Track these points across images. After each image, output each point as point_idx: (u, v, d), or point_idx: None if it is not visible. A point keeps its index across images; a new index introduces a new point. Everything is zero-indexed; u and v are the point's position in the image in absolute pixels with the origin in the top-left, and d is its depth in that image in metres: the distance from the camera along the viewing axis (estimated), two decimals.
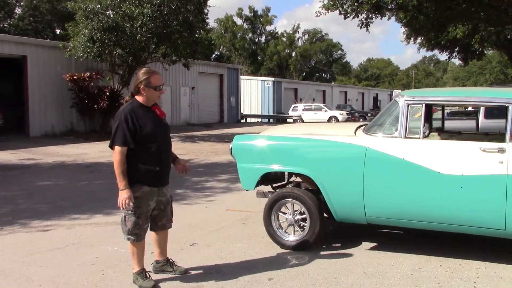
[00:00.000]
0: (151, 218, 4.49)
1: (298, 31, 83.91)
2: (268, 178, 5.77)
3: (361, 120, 39.77)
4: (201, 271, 4.86)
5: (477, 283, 4.47)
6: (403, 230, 6.10)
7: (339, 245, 5.66)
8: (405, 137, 5.00)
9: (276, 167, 5.49)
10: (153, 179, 4.35)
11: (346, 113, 38.55)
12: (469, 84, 66.62)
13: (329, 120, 36.80)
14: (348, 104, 50.21)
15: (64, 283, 4.61)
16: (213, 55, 69.19)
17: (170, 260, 4.80)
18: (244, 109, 40.73)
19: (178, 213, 6.92)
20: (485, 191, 4.61)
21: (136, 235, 4.35)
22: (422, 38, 26.47)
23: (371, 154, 5.03)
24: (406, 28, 24.96)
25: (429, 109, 5.66)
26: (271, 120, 40.55)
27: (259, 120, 40.08)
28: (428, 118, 5.64)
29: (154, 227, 4.60)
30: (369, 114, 44.57)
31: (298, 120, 37.79)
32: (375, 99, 68.48)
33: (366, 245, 5.63)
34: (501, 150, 4.59)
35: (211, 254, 5.41)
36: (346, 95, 58.76)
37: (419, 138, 4.99)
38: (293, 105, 40.73)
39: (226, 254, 5.41)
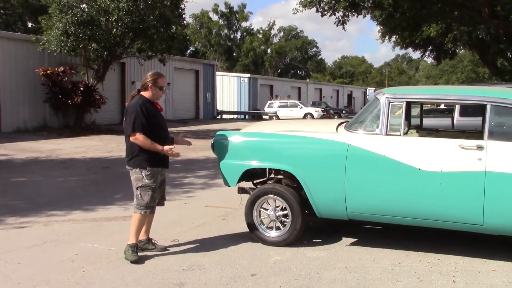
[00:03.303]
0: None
1: (274, 28, 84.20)
2: (248, 174, 5.77)
3: (336, 117, 40.08)
4: (183, 268, 4.84)
5: (455, 277, 4.56)
6: (382, 225, 6.19)
7: (320, 240, 5.70)
8: (386, 134, 5.07)
9: (258, 164, 5.49)
10: (159, 161, 5.11)
11: (321, 110, 38.77)
12: (441, 83, 67.72)
13: (305, 117, 36.96)
14: (323, 101, 50.52)
15: (43, 280, 4.53)
16: (188, 51, 68.78)
17: (151, 239, 5.34)
18: (220, 106, 40.62)
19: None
20: (464, 187, 4.71)
21: (151, 208, 5.12)
22: (397, 36, 26.79)
23: (353, 151, 5.07)
24: (381, 27, 25.23)
25: (408, 106, 5.74)
26: (247, 116, 40.53)
27: (235, 116, 40.01)
28: (407, 115, 5.72)
29: None
30: (344, 111, 44.97)
31: (274, 117, 37.85)
32: (350, 96, 69.10)
33: (346, 240, 5.69)
34: (480, 147, 4.69)
35: (192, 250, 5.39)
36: (321, 92, 59.13)
37: (400, 135, 5.06)
38: (268, 102, 40.78)
39: (208, 250, 5.39)
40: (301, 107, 38.91)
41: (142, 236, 5.28)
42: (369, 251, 5.32)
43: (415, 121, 6.99)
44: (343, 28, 20.33)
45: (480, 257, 5.03)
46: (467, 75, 58.88)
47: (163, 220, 6.52)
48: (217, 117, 38.49)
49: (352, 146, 5.09)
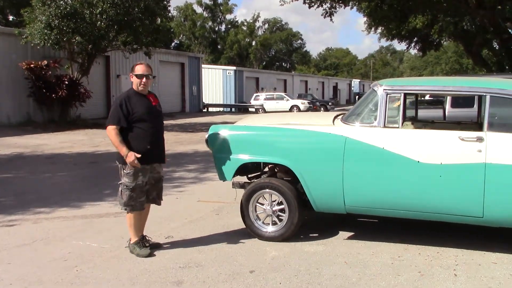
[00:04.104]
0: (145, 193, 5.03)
1: (258, 20, 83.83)
2: (243, 168, 5.66)
3: (322, 109, 40.10)
4: (180, 265, 4.73)
5: (456, 270, 4.51)
6: (378, 219, 6.13)
7: (317, 235, 5.63)
8: (384, 126, 4.99)
9: (254, 158, 5.39)
10: (145, 157, 4.84)
11: (308, 102, 38.73)
12: (426, 74, 68.06)
13: (291, 109, 36.89)
14: (309, 93, 50.49)
15: (36, 281, 4.39)
16: (173, 44, 68.19)
17: (145, 237, 5.17)
18: (206, 99, 40.39)
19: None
20: (463, 179, 4.65)
21: (131, 206, 4.92)
22: (383, 28, 26.79)
23: (351, 143, 4.99)
24: (367, 18, 25.19)
25: (405, 98, 5.67)
26: (233, 109, 40.36)
27: (221, 109, 39.83)
28: (404, 107, 5.65)
29: (146, 200, 5.09)
30: (330, 103, 45.01)
31: (260, 110, 37.73)
32: (335, 88, 69.19)
33: (344, 234, 5.62)
34: (480, 139, 4.63)
35: (188, 247, 5.28)
36: (306, 84, 59.12)
37: (398, 127, 4.99)
38: (254, 94, 40.63)
39: (204, 246, 5.29)
40: (287, 100, 38.81)
41: None
42: (367, 245, 5.25)
43: (409, 113, 6.94)
44: (331, 19, 20.26)
45: (480, 249, 5.00)
46: (451, 66, 59.22)
47: (155, 216, 6.36)
48: (203, 110, 38.27)
49: (350, 139, 5.00)
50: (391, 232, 5.63)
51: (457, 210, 4.74)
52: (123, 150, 4.76)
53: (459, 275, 4.40)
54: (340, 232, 5.68)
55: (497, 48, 25.63)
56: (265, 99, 38.85)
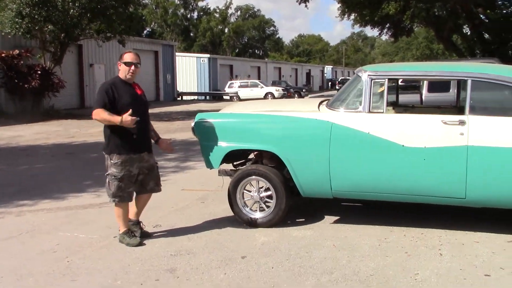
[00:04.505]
0: (140, 183, 5.04)
1: (231, 7, 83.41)
2: (228, 156, 5.68)
3: (296, 96, 40.26)
4: (171, 253, 4.76)
5: (441, 250, 4.66)
6: (362, 202, 6.26)
7: (303, 220, 5.71)
8: (369, 111, 5.08)
9: (241, 145, 5.42)
10: (131, 147, 4.87)
11: (282, 89, 38.81)
12: (397, 59, 68.85)
13: (265, 96, 36.90)
14: (283, 80, 50.62)
15: (27, 273, 4.36)
16: (145, 32, 67.30)
17: (140, 223, 5.25)
18: (180, 87, 40.11)
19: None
20: (447, 162, 4.78)
21: (119, 197, 4.90)
22: (356, 14, 26.97)
23: (337, 129, 5.07)
24: (341, 4, 25.32)
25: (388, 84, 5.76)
26: (208, 97, 40.22)
27: (196, 97, 39.67)
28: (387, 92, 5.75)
29: (143, 191, 5.13)
30: (303, 90, 45.21)
31: (235, 97, 37.69)
32: (308, 75, 69.45)
33: (330, 219, 5.72)
34: (462, 122, 4.76)
35: (177, 235, 5.31)
36: (280, 71, 59.21)
37: (383, 112, 5.09)
38: (229, 82, 40.53)
39: (193, 234, 5.32)
40: (262, 87, 38.84)
41: (132, 216, 5.20)
42: (354, 228, 5.36)
43: (389, 98, 7.06)
44: (306, 6, 20.32)
45: (462, 229, 5.16)
46: (422, 51, 60.11)
47: None
48: (178, 98, 38.02)
49: (336, 124, 5.08)
50: (375, 216, 5.75)
51: (441, 192, 4.88)
52: (116, 118, 4.69)
53: (444, 254, 4.54)
54: (326, 217, 5.78)
55: (468, 33, 26.11)
56: (239, 87, 38.79)
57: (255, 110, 5.77)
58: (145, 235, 5.19)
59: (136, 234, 5.11)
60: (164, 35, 71.27)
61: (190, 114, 22.82)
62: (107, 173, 4.93)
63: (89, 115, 22.10)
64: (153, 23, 74.99)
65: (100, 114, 4.74)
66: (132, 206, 5.15)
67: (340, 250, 4.73)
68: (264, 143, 5.33)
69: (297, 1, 20.24)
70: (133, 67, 4.91)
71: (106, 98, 4.76)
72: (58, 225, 5.82)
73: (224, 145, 5.43)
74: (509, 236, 4.92)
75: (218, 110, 6.27)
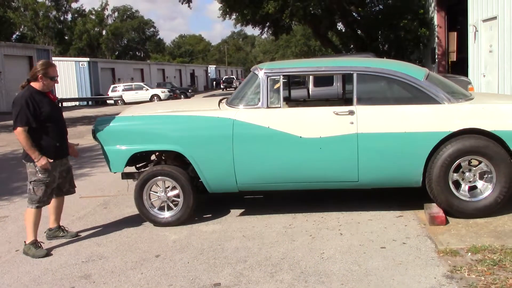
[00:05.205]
0: (57, 186, 5.18)
1: (107, 9, 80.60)
2: (131, 159, 5.68)
3: (182, 96, 40.13)
4: (82, 260, 4.69)
5: (341, 230, 5.08)
6: (263, 194, 6.57)
7: (210, 215, 5.88)
8: (268, 107, 5.37)
9: (145, 147, 5.45)
10: (55, 153, 5.00)
11: (168, 91, 38.54)
12: (278, 57, 71.24)
13: (151, 99, 36.40)
14: (168, 82, 50.14)
15: None
16: (14, 36, 62.92)
17: (62, 227, 5.39)
18: (59, 93, 38.14)
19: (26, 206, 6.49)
20: (340, 149, 5.21)
21: (43, 203, 4.99)
22: (237, 14, 27.52)
23: (238, 125, 5.30)
24: (222, 4, 25.72)
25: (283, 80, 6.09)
26: (90, 102, 38.72)
27: (77, 103, 37.97)
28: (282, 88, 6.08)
29: (60, 193, 5.28)
30: (189, 90, 45.18)
31: (119, 101, 36.70)
32: (192, 75, 69.47)
33: (235, 212, 5.95)
34: (351, 112, 5.22)
35: (85, 242, 5.23)
36: (164, 72, 58.58)
37: (280, 107, 5.41)
38: (112, 86, 39.35)
39: (101, 239, 5.27)
40: (147, 89, 38.25)
41: (52, 224, 5.36)
42: (259, 218, 5.64)
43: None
44: (189, 6, 20.36)
45: (357, 210, 5.64)
46: (301, 48, 62.80)
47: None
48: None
49: (237, 121, 5.30)
50: (277, 205, 6.07)
51: (337, 177, 5.31)
52: (35, 154, 4.79)
53: (344, 234, 4.96)
54: (232, 210, 6.00)
55: (343, 30, 27.80)
56: (123, 90, 37.85)
57: (156, 111, 5.82)
58: (72, 235, 5.37)
59: (66, 237, 5.31)
60: (36, 39, 67.13)
61: (74, 121, 21.90)
62: (31, 180, 4.94)
63: None
64: (22, 27, 70.34)
65: (22, 137, 4.76)
66: (50, 215, 5.33)
67: (250, 240, 4.97)
68: (168, 143, 5.41)
69: (179, 1, 20.25)
70: (57, 81, 5.16)
71: (28, 112, 4.76)
72: None
73: (128, 147, 5.43)
74: (397, 212, 5.49)
75: (104, 115, 6.24)
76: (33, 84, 4.96)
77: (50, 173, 4.95)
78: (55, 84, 5.22)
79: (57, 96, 35.86)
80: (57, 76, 5.14)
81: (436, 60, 18.86)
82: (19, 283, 4.25)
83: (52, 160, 4.94)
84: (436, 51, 18.88)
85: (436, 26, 18.70)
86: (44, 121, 4.90)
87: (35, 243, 4.92)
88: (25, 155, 4.96)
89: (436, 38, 18.80)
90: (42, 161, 4.82)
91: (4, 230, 5.88)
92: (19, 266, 4.66)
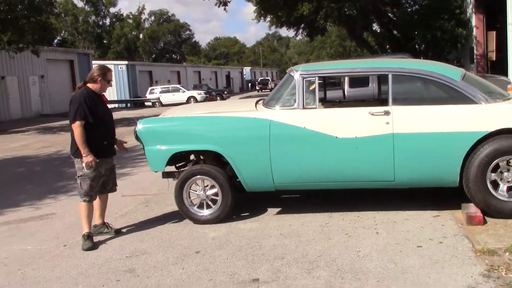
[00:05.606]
0: (102, 184, 5.48)
1: (144, 13, 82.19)
2: (171, 158, 5.87)
3: (218, 98, 40.53)
4: (126, 255, 4.90)
5: (377, 229, 5.14)
6: (300, 193, 6.67)
7: (248, 213, 6.01)
8: (304, 108, 5.48)
9: (185, 147, 5.64)
10: (102, 151, 5.36)
11: (204, 93, 39.00)
12: (312, 58, 71.11)
13: (188, 100, 36.92)
14: (204, 84, 50.75)
15: None
16: (55, 41, 64.81)
17: (106, 223, 5.65)
18: None
19: (73, 206, 6.79)
20: (376, 149, 5.27)
21: (90, 196, 5.32)
22: (272, 16, 27.68)
23: (275, 125, 5.42)
24: (257, 7, 25.93)
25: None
26: (129, 104, 39.57)
27: (116, 105, 38.86)
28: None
29: (103, 191, 5.58)
30: (225, 92, 45.60)
31: (157, 103, 37.41)
32: (228, 77, 70.03)
33: (272, 211, 6.07)
34: (387, 113, 5.27)
35: (128, 238, 5.44)
36: (200, 75, 59.30)
37: (316, 108, 5.51)
38: (149, 88, 40.12)
39: (143, 236, 5.48)
40: (184, 91, 38.81)
41: (97, 221, 5.61)
42: (296, 217, 5.74)
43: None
44: (225, 9, 20.65)
45: (393, 210, 5.68)
46: (336, 49, 62.57)
47: None
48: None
49: (274, 121, 5.42)
50: (313, 204, 6.17)
51: (373, 176, 5.37)
52: (86, 149, 5.13)
53: (380, 232, 5.02)
54: (269, 209, 6.12)
55: (378, 30, 27.62)
56: (161, 92, 38.53)
57: (195, 113, 6.00)
58: (116, 232, 5.63)
59: (110, 233, 5.57)
60: (76, 43, 68.96)
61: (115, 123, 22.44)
62: (79, 175, 5.31)
63: (5, 130, 21.39)
64: (63, 32, 72.32)
65: (78, 131, 5.12)
66: (95, 211, 5.55)
67: (287, 238, 5.08)
68: (208, 144, 5.58)
69: (216, 4, 20.58)
70: (111, 84, 5.59)
71: (86, 109, 5.16)
72: (1, 240, 5.76)
73: (169, 147, 5.62)
74: (434, 212, 5.50)
75: (143, 117, 6.48)
76: (89, 85, 5.37)
77: (95, 169, 5.27)
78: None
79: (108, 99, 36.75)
80: (111, 80, 5.56)
81: (475, 60, 18.54)
82: (68, 276, 4.49)
83: (97, 160, 5.24)
84: (475, 51, 18.57)
85: (473, 26, 18.40)
86: (96, 120, 5.24)
87: (86, 235, 5.26)
88: (74, 150, 5.29)
89: (474, 38, 18.49)
90: (90, 157, 5.15)
91: (52, 227, 6.17)
92: (68, 260, 4.90)
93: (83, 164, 5.20)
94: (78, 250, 5.17)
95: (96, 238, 5.42)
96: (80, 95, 5.25)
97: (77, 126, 5.14)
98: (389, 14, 24.25)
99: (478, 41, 18.13)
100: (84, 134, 5.13)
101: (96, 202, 5.54)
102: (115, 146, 5.69)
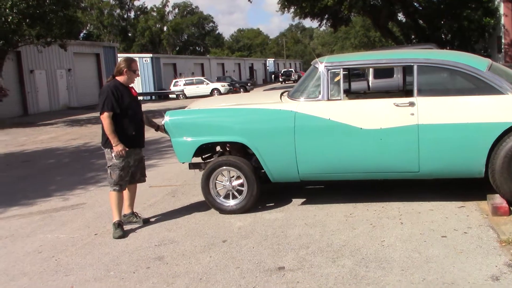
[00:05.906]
0: (131, 174, 5.62)
1: (168, 5, 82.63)
2: (198, 150, 5.99)
3: (242, 90, 40.64)
4: (155, 244, 5.05)
5: (402, 219, 5.17)
6: (324, 184, 6.73)
7: (273, 204, 6.11)
8: (328, 99, 5.53)
9: (211, 138, 5.75)
10: (130, 141, 5.48)
11: (228, 85, 39.18)
12: (336, 49, 70.63)
13: (212, 92, 37.15)
14: (227, 76, 50.92)
15: (19, 273, 4.55)
16: (81, 34, 65.69)
17: (135, 213, 5.81)
18: None
19: (102, 196, 6.98)
20: (401, 140, 5.29)
21: (120, 186, 5.48)
22: (296, 7, 27.60)
23: (300, 117, 5.48)
24: None
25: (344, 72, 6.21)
26: (153, 97, 39.97)
27: (141, 98, 39.25)
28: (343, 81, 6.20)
29: (132, 181, 5.71)
30: (249, 84, 45.67)
31: (181, 95, 37.73)
32: (251, 69, 70.06)
33: (297, 201, 6.14)
34: (412, 104, 5.28)
35: (156, 227, 5.59)
36: (223, 67, 59.47)
37: (340, 99, 5.55)
38: (174, 80, 40.45)
39: (171, 225, 5.62)
40: (207, 83, 39.04)
41: (126, 210, 5.78)
42: (320, 207, 5.81)
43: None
44: (249, 0, 20.61)
45: (417, 200, 5.70)
46: (360, 39, 61.99)
47: None
48: (138, 99, 37.52)
49: (299, 113, 5.49)
50: (338, 195, 6.22)
51: (397, 167, 5.40)
52: (115, 139, 5.31)
53: (404, 223, 5.06)
54: (294, 200, 6.20)
55: (403, 20, 27.32)
56: (185, 84, 38.85)
57: (220, 105, 6.10)
58: (146, 221, 5.78)
59: (139, 223, 5.71)
60: (102, 36, 69.81)
61: None
62: (108, 165, 5.49)
63: (34, 122, 21.95)
64: (88, 25, 73.25)
65: (107, 122, 5.30)
66: (125, 201, 5.69)
67: (312, 227, 5.16)
68: (233, 135, 5.68)
69: None
70: (138, 74, 5.72)
71: (113, 99, 5.31)
72: (35, 228, 5.96)
73: (195, 139, 5.74)
74: (458, 203, 5.50)
75: (167, 109, 6.61)
76: (117, 78, 5.53)
77: (124, 159, 5.42)
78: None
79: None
80: (138, 70, 5.68)
81: (503, 49, 18.23)
82: (100, 263, 4.65)
83: (127, 149, 5.39)
84: (503, 40, 18.25)
85: (502, 14, 18.07)
86: (124, 111, 5.40)
87: (116, 223, 5.43)
88: (104, 141, 5.48)
89: (502, 27, 18.17)
90: (119, 147, 5.31)
91: (83, 216, 6.36)
92: (99, 248, 5.07)
93: (113, 154, 5.36)
94: (109, 238, 5.34)
95: (126, 227, 5.58)
96: (107, 87, 5.43)
97: (105, 117, 5.31)
98: (415, 4, 23.95)
99: (507, 30, 17.80)
100: (112, 124, 5.29)
101: (125, 192, 5.68)
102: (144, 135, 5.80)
